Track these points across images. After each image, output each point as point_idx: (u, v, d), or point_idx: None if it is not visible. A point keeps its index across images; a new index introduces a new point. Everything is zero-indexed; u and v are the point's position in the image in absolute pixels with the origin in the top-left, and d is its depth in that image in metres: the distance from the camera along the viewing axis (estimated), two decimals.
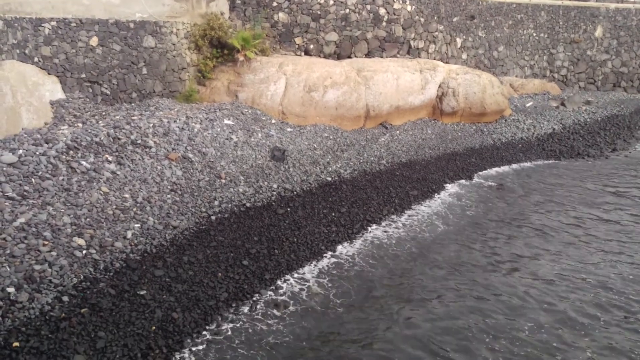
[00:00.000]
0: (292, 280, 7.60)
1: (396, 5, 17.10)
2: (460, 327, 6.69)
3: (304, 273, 7.83)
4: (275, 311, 6.82)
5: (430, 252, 8.88)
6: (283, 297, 7.16)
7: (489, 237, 9.61)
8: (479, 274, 8.19)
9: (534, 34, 22.37)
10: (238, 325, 6.48)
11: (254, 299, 7.02)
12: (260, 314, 6.75)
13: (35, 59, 10.09)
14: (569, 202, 11.63)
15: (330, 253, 8.48)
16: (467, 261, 8.61)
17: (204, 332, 6.23)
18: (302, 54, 16.39)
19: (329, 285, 7.60)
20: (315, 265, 8.07)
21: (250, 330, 6.40)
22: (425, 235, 9.50)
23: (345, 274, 7.96)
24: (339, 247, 8.71)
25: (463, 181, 12.59)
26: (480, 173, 13.25)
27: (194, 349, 5.94)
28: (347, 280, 7.78)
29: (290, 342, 6.27)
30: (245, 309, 6.79)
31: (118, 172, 8.75)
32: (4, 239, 6.37)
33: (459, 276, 8.09)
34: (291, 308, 6.94)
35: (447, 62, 18.84)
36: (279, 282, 7.49)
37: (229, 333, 6.30)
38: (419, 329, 6.66)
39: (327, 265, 8.12)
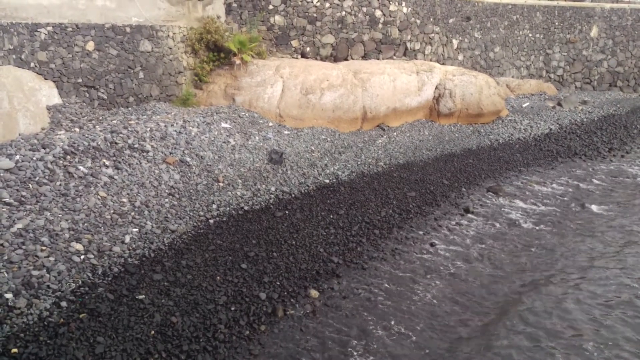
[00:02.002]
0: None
1: (392, 7, 17.15)
2: None
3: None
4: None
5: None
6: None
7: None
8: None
9: (530, 35, 22.46)
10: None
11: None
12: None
13: (32, 64, 10.09)
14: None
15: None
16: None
17: None
18: (299, 56, 16.41)
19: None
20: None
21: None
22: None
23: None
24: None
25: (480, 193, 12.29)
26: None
27: None
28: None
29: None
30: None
31: (116, 177, 8.74)
32: (2, 245, 6.35)
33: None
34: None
35: (443, 64, 18.90)
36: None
37: None
38: None
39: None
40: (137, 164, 9.37)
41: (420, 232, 9.64)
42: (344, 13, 16.55)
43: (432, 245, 9.19)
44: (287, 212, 9.49)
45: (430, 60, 18.52)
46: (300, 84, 14.17)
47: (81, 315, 5.89)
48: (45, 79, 10.31)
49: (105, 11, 11.59)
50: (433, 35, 18.68)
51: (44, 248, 6.58)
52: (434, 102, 16.57)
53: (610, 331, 6.75)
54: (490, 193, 11.95)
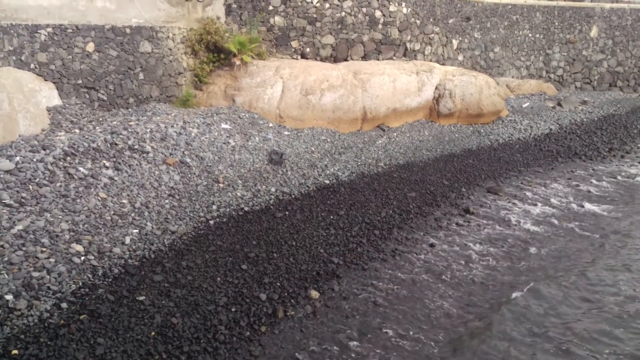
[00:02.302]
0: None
1: (392, 8, 17.15)
2: None
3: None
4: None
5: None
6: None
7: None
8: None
9: (530, 35, 22.45)
10: None
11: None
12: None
13: (32, 66, 10.09)
14: None
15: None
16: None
17: None
18: (299, 57, 16.41)
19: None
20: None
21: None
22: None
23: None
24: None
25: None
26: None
27: None
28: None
29: None
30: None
31: (116, 178, 8.74)
32: (2, 246, 6.35)
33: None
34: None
35: (443, 64, 18.90)
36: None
37: None
38: None
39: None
40: (137, 165, 9.37)
41: (421, 233, 9.64)
42: (343, 14, 16.56)
43: (432, 245, 9.18)
44: (287, 212, 9.49)
45: (430, 61, 18.52)
46: (300, 84, 14.17)
47: (81, 317, 5.89)
48: (45, 80, 10.31)
49: (105, 12, 11.59)
50: (433, 35, 18.69)
51: (44, 249, 6.58)
52: (434, 102, 16.57)
53: (612, 333, 6.75)
54: (490, 193, 11.96)
